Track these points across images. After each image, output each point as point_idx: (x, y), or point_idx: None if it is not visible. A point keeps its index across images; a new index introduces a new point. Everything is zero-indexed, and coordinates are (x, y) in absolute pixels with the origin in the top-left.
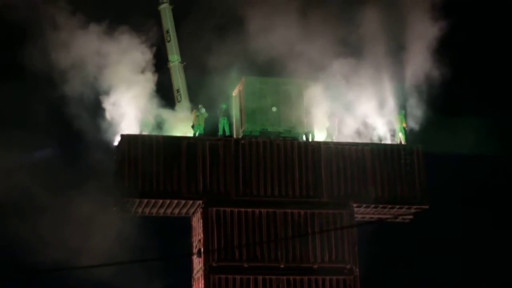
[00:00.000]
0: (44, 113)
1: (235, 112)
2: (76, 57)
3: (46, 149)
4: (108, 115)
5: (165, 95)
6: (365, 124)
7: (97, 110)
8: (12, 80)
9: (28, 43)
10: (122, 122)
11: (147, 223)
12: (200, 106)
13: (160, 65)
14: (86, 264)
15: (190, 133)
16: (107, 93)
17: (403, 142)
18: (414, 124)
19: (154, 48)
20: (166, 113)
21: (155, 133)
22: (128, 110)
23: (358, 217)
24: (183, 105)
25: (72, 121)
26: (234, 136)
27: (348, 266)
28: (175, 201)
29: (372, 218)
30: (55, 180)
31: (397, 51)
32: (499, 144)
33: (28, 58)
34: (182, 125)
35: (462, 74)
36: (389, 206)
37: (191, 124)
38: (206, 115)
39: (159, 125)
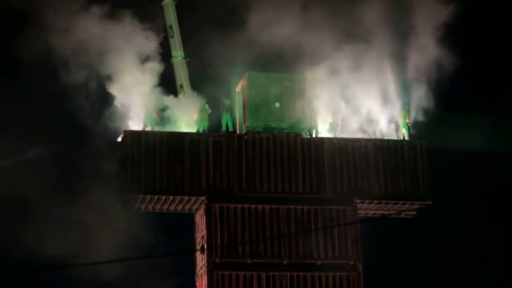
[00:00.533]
0: (43, 106)
1: (238, 108)
2: (78, 44)
3: (45, 145)
4: (110, 108)
5: (170, 84)
6: (369, 120)
7: (98, 102)
8: (9, 71)
9: (26, 31)
10: (125, 117)
11: (151, 219)
12: (203, 101)
13: (166, 54)
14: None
15: (194, 124)
16: (110, 83)
17: (406, 138)
18: (419, 118)
19: (161, 35)
20: (170, 101)
21: (159, 125)
22: (132, 103)
23: (362, 213)
24: (187, 93)
25: (73, 114)
26: (237, 132)
27: (352, 262)
28: (178, 198)
29: (375, 214)
30: (57, 177)
31: (400, 45)
32: (506, 141)
33: (26, 47)
34: (187, 114)
35: (469, 68)
36: (392, 202)
37: (196, 114)
38: (209, 110)
39: (163, 113)
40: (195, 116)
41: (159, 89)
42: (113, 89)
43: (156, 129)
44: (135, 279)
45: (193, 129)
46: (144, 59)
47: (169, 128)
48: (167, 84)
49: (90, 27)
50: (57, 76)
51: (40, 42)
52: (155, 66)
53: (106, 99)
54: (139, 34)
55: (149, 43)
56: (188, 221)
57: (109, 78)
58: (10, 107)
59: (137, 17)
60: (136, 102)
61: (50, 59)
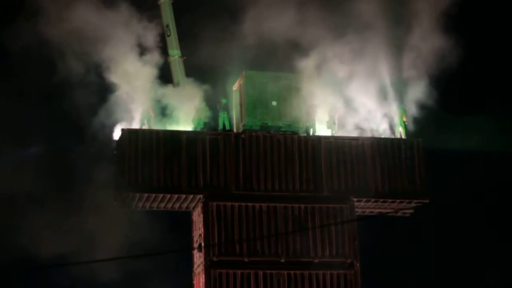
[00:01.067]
0: (36, 101)
1: (235, 106)
2: (73, 35)
3: (40, 143)
4: (106, 105)
5: (168, 80)
6: (366, 118)
7: (94, 98)
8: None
9: (18, 20)
10: (122, 114)
11: (148, 217)
12: (201, 99)
13: (165, 47)
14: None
15: (193, 114)
16: (107, 78)
17: (403, 136)
18: (416, 116)
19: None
20: (169, 91)
21: (159, 117)
22: (129, 97)
23: (359, 211)
24: (185, 81)
25: (68, 111)
26: (234, 131)
27: (349, 261)
28: (176, 196)
29: (372, 212)
30: (53, 175)
31: (398, 41)
32: (504, 140)
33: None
34: (185, 103)
35: (467, 66)
36: (390, 200)
37: (195, 103)
38: (206, 109)
39: (161, 103)
40: (193, 104)
41: (157, 81)
42: (111, 82)
43: (154, 123)
44: (133, 278)
45: (191, 120)
46: (142, 52)
47: (168, 119)
48: (166, 79)
49: (87, 18)
50: (52, 70)
51: (34, 34)
52: (153, 59)
53: (103, 96)
54: (137, 26)
55: (148, 37)
56: (185, 219)
57: (106, 71)
58: (3, 102)
59: (135, 8)
60: (133, 96)
61: (43, 51)
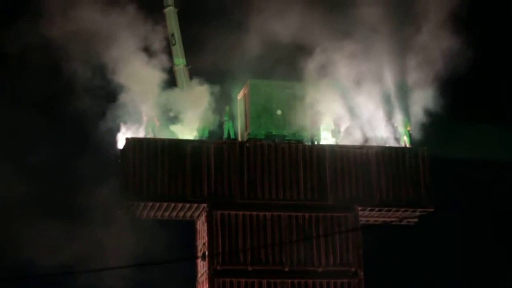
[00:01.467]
0: (41, 107)
1: (240, 115)
2: (79, 39)
3: (43, 150)
4: (112, 111)
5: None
6: (370, 126)
7: (100, 103)
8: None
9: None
10: (127, 120)
11: (153, 226)
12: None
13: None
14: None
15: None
16: (113, 85)
17: (408, 145)
18: (421, 125)
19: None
20: (176, 94)
21: (166, 122)
22: (135, 103)
23: (363, 220)
24: (191, 83)
25: (74, 117)
26: (239, 139)
27: (353, 269)
28: (180, 205)
29: (377, 221)
30: (58, 183)
31: (403, 50)
32: (508, 149)
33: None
34: (192, 105)
35: (473, 75)
36: (394, 209)
37: (203, 103)
38: (211, 118)
39: (168, 105)
40: (199, 110)
41: (163, 85)
42: (116, 87)
43: (159, 131)
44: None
45: (196, 127)
46: (149, 56)
47: (173, 123)
48: (173, 83)
49: (93, 20)
50: (56, 76)
51: (37, 37)
52: (160, 64)
53: (107, 102)
54: (143, 30)
55: (154, 41)
56: (189, 228)
57: (111, 76)
58: (6, 107)
59: (142, 12)
60: (139, 101)
61: (46, 54)
